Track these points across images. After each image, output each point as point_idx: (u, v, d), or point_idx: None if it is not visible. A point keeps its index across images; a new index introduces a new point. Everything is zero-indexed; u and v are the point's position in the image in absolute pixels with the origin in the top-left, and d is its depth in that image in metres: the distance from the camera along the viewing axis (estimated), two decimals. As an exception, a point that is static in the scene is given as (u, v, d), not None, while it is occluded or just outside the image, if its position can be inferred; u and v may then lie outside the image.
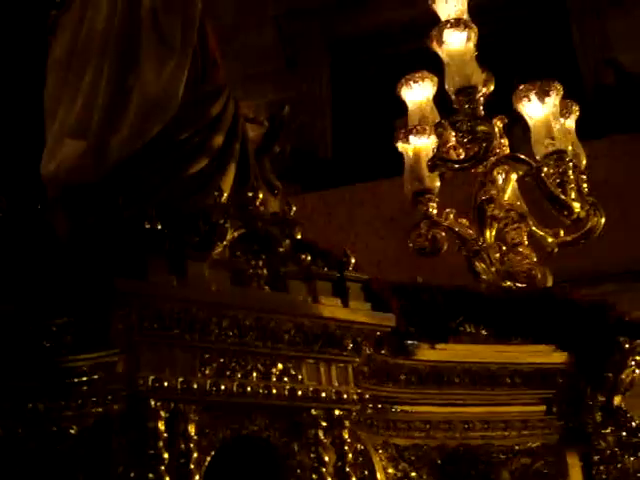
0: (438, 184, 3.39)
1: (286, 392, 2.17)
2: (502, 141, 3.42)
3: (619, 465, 2.77)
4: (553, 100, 3.27)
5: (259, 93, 2.69)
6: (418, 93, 3.61)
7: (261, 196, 2.31)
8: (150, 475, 1.93)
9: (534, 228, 3.32)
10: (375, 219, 6.00)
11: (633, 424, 2.85)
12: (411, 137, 3.44)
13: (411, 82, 3.62)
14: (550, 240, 3.33)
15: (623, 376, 2.87)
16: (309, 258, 2.30)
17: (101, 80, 2.55)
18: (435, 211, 3.35)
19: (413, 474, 2.49)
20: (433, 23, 3.25)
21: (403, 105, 3.63)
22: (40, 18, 2.83)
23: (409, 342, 2.47)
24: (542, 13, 7.86)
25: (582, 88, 5.36)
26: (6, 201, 2.65)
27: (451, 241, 3.41)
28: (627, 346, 2.86)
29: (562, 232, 3.35)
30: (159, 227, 2.10)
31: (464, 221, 3.43)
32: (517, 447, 2.70)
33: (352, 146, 7.32)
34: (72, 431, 2.02)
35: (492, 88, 3.55)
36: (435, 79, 3.63)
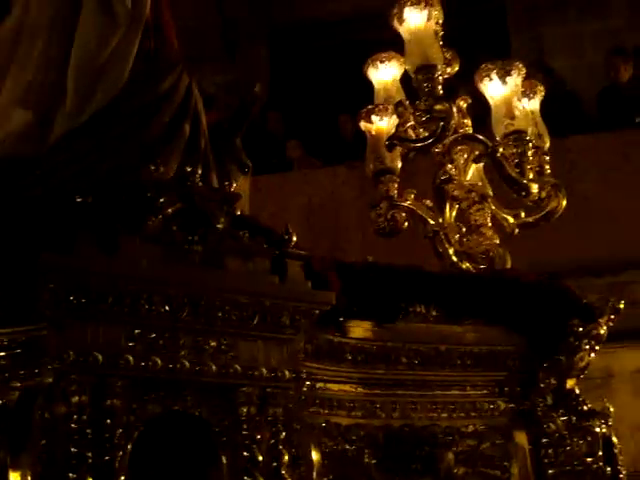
0: (399, 164, 3.35)
1: (219, 369, 2.16)
2: (465, 121, 3.38)
3: (568, 448, 2.76)
4: (515, 80, 3.23)
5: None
6: (384, 73, 3.57)
7: (200, 171, 2.29)
8: (72, 449, 1.93)
9: (495, 209, 3.28)
10: (307, 208, 5.99)
11: (584, 408, 2.84)
12: (373, 117, 3.40)
13: (377, 62, 3.58)
14: (511, 221, 3.30)
15: (576, 359, 2.86)
16: (247, 235, 2.28)
17: (48, 54, 2.53)
18: (396, 192, 3.31)
19: (354, 453, 2.47)
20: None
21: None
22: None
23: (343, 319, 2.44)
24: (482, 19, 7.93)
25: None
26: None
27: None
28: (580, 329, 2.84)
29: (523, 214, 3.31)
30: (90, 201, 2.08)
31: (428, 202, 3.39)
32: (463, 429, 2.69)
33: (289, 133, 7.38)
34: (-4, 404, 2.01)
35: (457, 68, 3.51)
36: (402, 59, 3.58)
